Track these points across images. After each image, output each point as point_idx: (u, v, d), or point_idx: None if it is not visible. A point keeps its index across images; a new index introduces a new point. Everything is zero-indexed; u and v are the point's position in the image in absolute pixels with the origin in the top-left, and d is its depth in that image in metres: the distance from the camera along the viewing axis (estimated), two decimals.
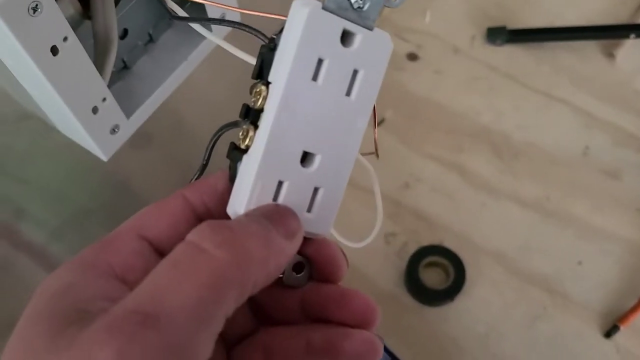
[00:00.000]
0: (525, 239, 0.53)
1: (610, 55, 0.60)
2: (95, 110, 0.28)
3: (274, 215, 0.19)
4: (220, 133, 0.22)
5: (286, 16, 0.20)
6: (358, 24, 0.20)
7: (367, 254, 0.53)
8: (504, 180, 0.56)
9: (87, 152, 0.32)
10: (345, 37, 0.20)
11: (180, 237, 0.19)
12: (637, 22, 0.60)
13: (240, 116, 0.20)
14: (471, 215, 0.54)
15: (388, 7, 0.20)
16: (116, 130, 0.30)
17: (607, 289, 0.51)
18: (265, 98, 0.20)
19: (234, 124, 0.21)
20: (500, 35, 0.61)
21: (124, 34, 0.31)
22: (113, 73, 0.30)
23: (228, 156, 0.21)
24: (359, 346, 0.21)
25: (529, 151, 0.57)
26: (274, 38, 0.21)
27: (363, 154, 0.24)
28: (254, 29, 0.22)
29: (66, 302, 0.18)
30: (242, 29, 0.23)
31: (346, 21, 0.20)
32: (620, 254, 0.52)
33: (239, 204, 0.20)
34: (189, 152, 0.37)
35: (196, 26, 0.28)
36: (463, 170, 0.56)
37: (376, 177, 0.24)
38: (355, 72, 0.21)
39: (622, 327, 0.48)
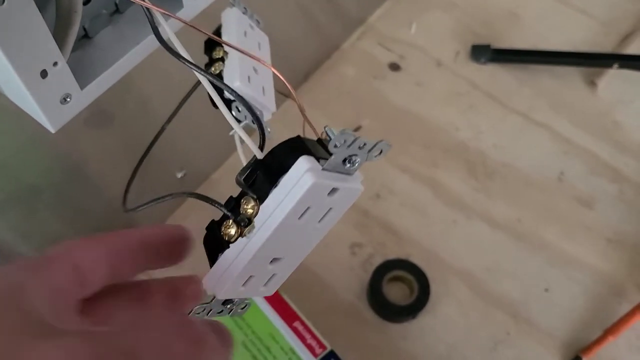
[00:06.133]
0: (493, 260, 0.52)
1: (591, 83, 0.59)
2: (44, 74, 0.25)
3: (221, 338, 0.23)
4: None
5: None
6: (342, 173, 0.23)
7: (330, 263, 0.51)
8: (476, 199, 0.54)
9: (39, 125, 0.30)
10: (331, 191, 0.24)
11: (118, 273, 0.22)
12: (622, 52, 0.59)
13: (225, 204, 0.24)
14: (441, 232, 0.53)
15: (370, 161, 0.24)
16: (67, 99, 0.27)
17: (572, 318, 0.49)
18: (255, 213, 0.23)
19: (218, 205, 0.24)
20: (484, 53, 0.61)
21: None
22: None
23: (208, 238, 0.25)
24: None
25: (504, 172, 0.56)
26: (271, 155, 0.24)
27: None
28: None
29: (23, 307, 0.19)
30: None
31: (335, 182, 0.23)
32: (588, 284, 0.51)
33: (218, 289, 0.25)
34: (150, 133, 0.35)
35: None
36: (436, 186, 0.55)
37: None
38: (329, 209, 0.24)
39: (584, 359, 0.47)
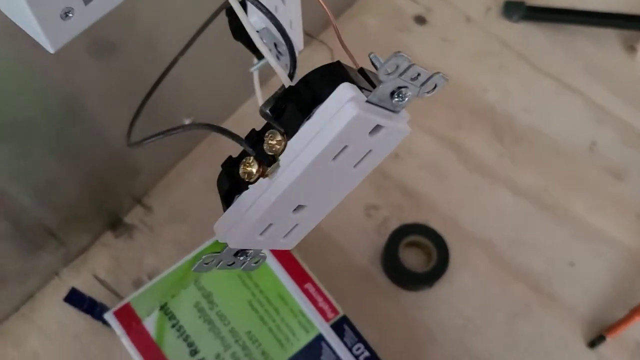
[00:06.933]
0: (516, 230, 0.49)
1: (631, 48, 0.55)
2: None
3: None
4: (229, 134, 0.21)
5: None
6: (388, 109, 0.20)
7: (344, 225, 0.48)
8: (502, 165, 0.51)
9: (36, 49, 0.26)
10: (374, 129, 0.20)
11: None
12: None
13: (246, 139, 0.21)
14: (462, 198, 0.50)
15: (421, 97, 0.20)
16: (69, 15, 0.24)
17: (596, 295, 0.47)
18: (281, 149, 0.20)
19: (238, 139, 0.21)
20: (517, 10, 0.56)
21: None
22: None
23: (222, 177, 0.22)
24: None
25: (532, 137, 0.52)
26: (305, 83, 0.20)
27: None
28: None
29: None
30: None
31: (380, 118, 0.20)
32: (615, 260, 0.48)
33: (231, 236, 0.22)
34: (156, 70, 0.32)
35: None
36: (459, 149, 0.52)
37: None
38: (369, 151, 0.21)
39: (608, 338, 0.44)
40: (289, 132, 0.20)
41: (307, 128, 0.19)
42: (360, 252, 0.47)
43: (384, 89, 0.19)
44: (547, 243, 0.48)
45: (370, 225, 0.48)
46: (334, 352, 0.37)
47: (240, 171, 0.21)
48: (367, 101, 0.19)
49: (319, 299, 0.39)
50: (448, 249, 0.46)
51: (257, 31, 0.27)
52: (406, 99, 0.20)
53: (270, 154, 0.20)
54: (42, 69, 0.30)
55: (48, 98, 0.32)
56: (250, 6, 0.28)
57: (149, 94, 0.28)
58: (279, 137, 0.20)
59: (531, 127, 0.53)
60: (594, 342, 0.44)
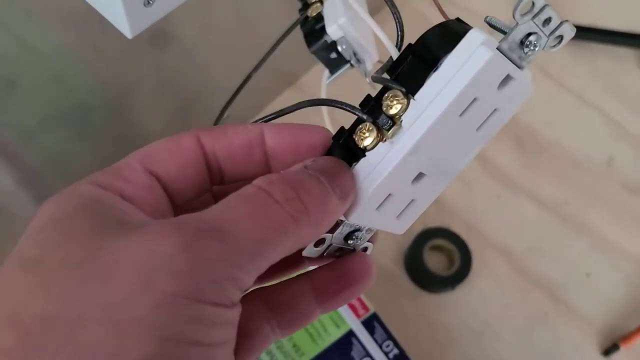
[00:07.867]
0: (536, 239, 0.50)
1: None
2: None
3: (333, 174, 0.19)
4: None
5: None
6: (514, 64, 0.19)
7: None
8: (523, 176, 0.52)
9: (102, 33, 0.27)
10: (503, 81, 0.20)
11: (188, 180, 0.20)
12: None
13: (360, 105, 0.20)
14: (484, 206, 0.51)
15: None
16: (150, 2, 0.24)
17: (612, 306, 0.48)
18: (403, 109, 0.19)
19: (351, 108, 0.20)
20: None
21: None
22: None
23: (335, 148, 0.21)
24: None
25: (553, 150, 0.53)
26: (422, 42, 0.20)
27: None
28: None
29: (101, 211, 0.18)
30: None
31: (511, 65, 0.19)
32: (631, 272, 0.49)
33: (351, 206, 0.21)
34: (211, 64, 0.32)
35: None
36: (483, 158, 0.53)
37: None
38: (494, 111, 0.20)
39: (622, 347, 0.45)
40: (412, 89, 0.19)
41: (435, 79, 0.19)
42: (383, 253, 0.48)
43: (517, 33, 0.18)
44: (565, 253, 0.50)
45: None
46: (364, 348, 0.38)
47: (356, 139, 0.20)
48: (497, 48, 0.18)
49: None
50: (471, 254, 0.47)
51: (335, 40, 0.29)
52: (536, 48, 0.19)
53: (389, 114, 0.19)
54: (105, 54, 0.31)
55: (105, 83, 0.32)
56: (328, 16, 0.28)
57: (233, 96, 0.30)
58: (400, 96, 0.19)
59: (552, 141, 0.54)
60: (608, 350, 0.46)
